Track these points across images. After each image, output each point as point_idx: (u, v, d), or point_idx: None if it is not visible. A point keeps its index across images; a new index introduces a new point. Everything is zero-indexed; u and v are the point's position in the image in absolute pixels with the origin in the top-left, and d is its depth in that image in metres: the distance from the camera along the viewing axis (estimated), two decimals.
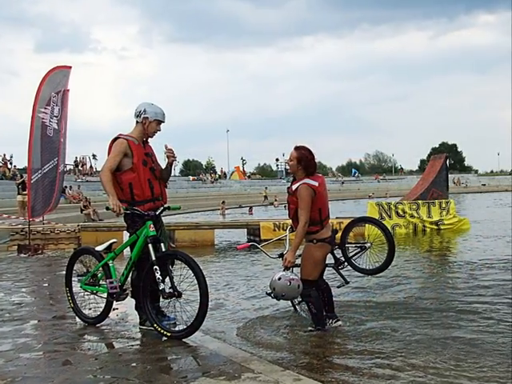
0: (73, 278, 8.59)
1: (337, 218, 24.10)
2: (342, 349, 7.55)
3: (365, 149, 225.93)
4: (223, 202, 50.69)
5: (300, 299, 8.73)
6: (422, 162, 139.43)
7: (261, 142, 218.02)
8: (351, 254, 8.70)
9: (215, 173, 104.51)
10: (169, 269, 7.45)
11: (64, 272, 8.91)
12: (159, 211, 7.82)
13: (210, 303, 7.39)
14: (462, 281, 12.47)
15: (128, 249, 8.03)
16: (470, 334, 8.08)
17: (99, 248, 8.16)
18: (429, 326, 8.55)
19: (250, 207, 50.91)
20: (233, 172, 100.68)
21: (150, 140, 8.11)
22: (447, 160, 26.69)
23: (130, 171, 7.69)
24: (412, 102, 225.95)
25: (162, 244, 7.59)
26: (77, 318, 8.49)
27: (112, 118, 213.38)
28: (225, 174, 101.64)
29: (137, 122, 7.95)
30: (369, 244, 8.63)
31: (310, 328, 8.31)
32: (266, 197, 70.76)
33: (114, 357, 6.65)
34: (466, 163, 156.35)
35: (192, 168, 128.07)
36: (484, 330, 8.34)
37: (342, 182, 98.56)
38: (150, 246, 7.45)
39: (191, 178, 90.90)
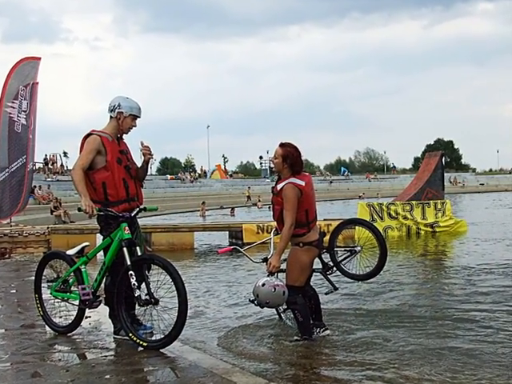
0: (42, 284, 8.57)
1: (325, 219, 24.21)
2: (331, 360, 7.57)
3: (355, 146, 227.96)
4: (203, 203, 50.59)
5: (285, 307, 8.72)
6: (416, 159, 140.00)
7: (243, 138, 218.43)
8: (340, 259, 8.70)
9: (195, 171, 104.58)
10: (145, 274, 7.45)
11: (33, 278, 8.89)
12: (135, 212, 7.81)
13: (189, 311, 7.40)
14: (459, 287, 12.53)
15: (101, 253, 8.01)
16: (468, 344, 8.12)
17: (70, 252, 8.14)
18: (423, 336, 8.58)
19: (232, 208, 50.98)
20: (214, 171, 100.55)
21: (124, 136, 8.11)
22: (443, 158, 26.82)
23: (103, 170, 7.68)
24: (405, 96, 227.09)
25: (137, 247, 7.58)
26: (46, 326, 8.46)
27: (84, 112, 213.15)
28: (205, 172, 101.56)
29: (111, 117, 7.94)
30: (359, 248, 8.64)
31: (296, 337, 8.31)
32: (249, 197, 70.88)
33: (87, 368, 6.65)
34: (463, 161, 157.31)
35: (170, 166, 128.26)
36: (482, 339, 8.38)
37: (331, 182, 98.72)
38: (124, 249, 7.45)
39: (169, 177, 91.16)
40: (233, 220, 36.18)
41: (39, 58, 20.76)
